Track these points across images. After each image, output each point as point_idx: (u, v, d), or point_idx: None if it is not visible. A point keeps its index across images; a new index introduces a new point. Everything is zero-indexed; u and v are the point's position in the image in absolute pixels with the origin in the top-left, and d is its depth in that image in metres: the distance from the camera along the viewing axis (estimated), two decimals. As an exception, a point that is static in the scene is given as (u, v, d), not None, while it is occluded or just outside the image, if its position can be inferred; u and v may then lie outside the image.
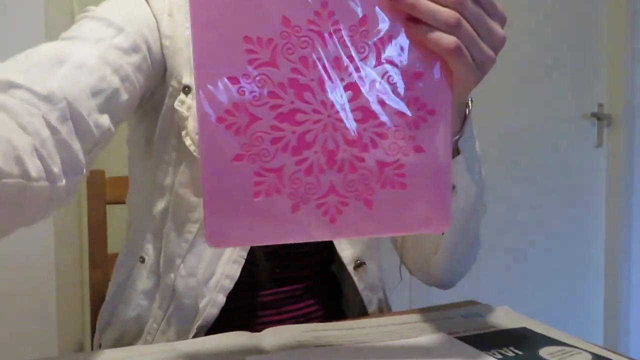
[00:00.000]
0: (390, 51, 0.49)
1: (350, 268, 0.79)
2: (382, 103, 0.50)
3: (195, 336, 0.74)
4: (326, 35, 0.48)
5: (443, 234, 0.67)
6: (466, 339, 0.63)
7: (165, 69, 0.69)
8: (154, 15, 0.68)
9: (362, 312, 0.82)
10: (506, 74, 1.97)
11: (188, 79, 0.68)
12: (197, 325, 0.74)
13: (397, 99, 0.50)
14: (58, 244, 1.40)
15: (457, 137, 0.60)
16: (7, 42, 1.36)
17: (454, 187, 0.61)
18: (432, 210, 0.52)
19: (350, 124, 0.50)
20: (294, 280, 0.81)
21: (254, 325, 0.72)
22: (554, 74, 2.05)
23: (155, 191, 0.76)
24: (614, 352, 0.61)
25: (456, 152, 0.60)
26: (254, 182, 0.49)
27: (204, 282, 0.74)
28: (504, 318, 0.71)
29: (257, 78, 0.48)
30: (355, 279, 0.80)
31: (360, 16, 0.48)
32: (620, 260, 2.13)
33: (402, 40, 0.49)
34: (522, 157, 2.00)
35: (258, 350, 0.61)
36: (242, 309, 0.78)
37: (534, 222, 2.03)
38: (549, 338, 0.65)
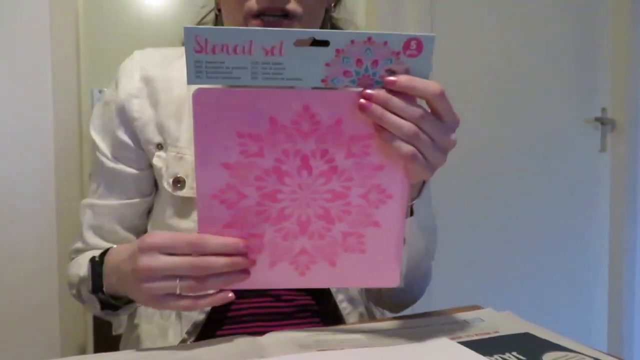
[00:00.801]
0: (359, 147, 0.58)
1: None
2: (348, 188, 0.60)
3: (182, 342, 0.79)
4: (306, 132, 0.57)
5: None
6: (469, 344, 0.63)
7: (138, 142, 0.84)
8: (123, 105, 0.83)
9: (336, 318, 0.84)
10: (510, 79, 1.97)
11: (157, 138, 0.82)
12: (185, 331, 0.79)
13: (362, 186, 0.60)
14: (61, 247, 1.41)
15: (413, 202, 0.69)
16: (12, 43, 1.36)
17: (404, 241, 0.69)
18: (384, 271, 0.63)
19: (322, 202, 0.60)
20: (277, 296, 0.83)
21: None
22: (557, 78, 2.05)
23: (155, 229, 0.87)
24: (618, 358, 0.61)
25: (411, 212, 0.70)
26: None
27: None
28: (507, 323, 0.71)
29: (247, 166, 0.57)
30: (332, 290, 0.84)
31: (336, 119, 0.57)
32: (624, 265, 2.12)
33: (371, 137, 0.58)
34: (526, 161, 2.00)
35: (260, 355, 0.61)
36: (228, 319, 0.81)
37: (537, 227, 2.03)
38: (552, 343, 0.64)
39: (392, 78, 0.55)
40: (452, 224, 1.89)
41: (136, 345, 0.82)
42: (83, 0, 1.47)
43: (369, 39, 0.54)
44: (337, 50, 0.54)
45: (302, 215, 0.60)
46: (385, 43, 0.54)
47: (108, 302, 0.74)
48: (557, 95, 2.05)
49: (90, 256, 0.77)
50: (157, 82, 0.83)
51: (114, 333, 0.90)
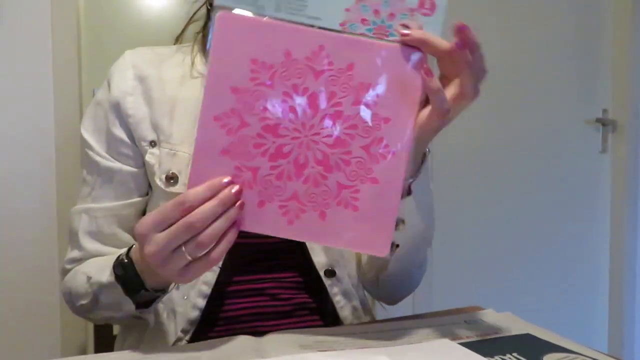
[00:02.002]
0: (368, 96, 0.59)
1: (321, 273, 0.83)
2: (351, 136, 0.60)
3: (177, 341, 0.78)
4: (318, 71, 0.58)
5: (391, 257, 0.77)
6: (469, 345, 0.63)
7: (133, 138, 0.83)
8: (117, 102, 0.82)
9: (334, 315, 0.84)
10: (510, 79, 1.97)
11: (151, 136, 0.82)
12: (180, 329, 0.78)
13: (365, 136, 0.60)
14: (62, 246, 1.41)
15: (412, 179, 0.68)
16: (13, 43, 1.36)
17: (403, 221, 0.71)
18: (375, 235, 0.62)
19: (322, 147, 0.60)
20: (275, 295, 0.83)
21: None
22: (558, 79, 2.05)
23: None
24: (618, 359, 0.61)
25: (408, 192, 0.68)
26: (232, 175, 0.60)
27: (191, 287, 0.80)
28: (508, 324, 0.71)
29: (255, 94, 0.58)
30: (327, 284, 0.83)
31: (348, 63, 0.59)
32: (625, 266, 2.12)
33: (380, 89, 0.60)
34: (527, 162, 2.00)
35: (260, 355, 0.61)
36: (225, 320, 0.81)
37: (538, 228, 2.03)
38: (553, 344, 0.64)
39: (406, 31, 0.59)
40: (452, 225, 1.89)
41: (133, 346, 0.82)
42: (84, 1, 1.48)
43: None
44: None
45: (300, 156, 0.60)
46: None
47: (149, 299, 0.72)
48: (557, 96, 2.05)
49: (99, 263, 0.76)
50: (151, 81, 0.83)
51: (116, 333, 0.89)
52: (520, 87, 1.98)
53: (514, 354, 0.61)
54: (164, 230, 0.59)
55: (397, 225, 0.75)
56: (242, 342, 0.65)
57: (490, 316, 0.74)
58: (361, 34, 0.59)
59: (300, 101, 0.59)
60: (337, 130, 0.60)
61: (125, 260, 0.69)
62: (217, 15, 0.56)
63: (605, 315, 2.16)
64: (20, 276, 1.38)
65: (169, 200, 0.78)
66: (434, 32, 0.60)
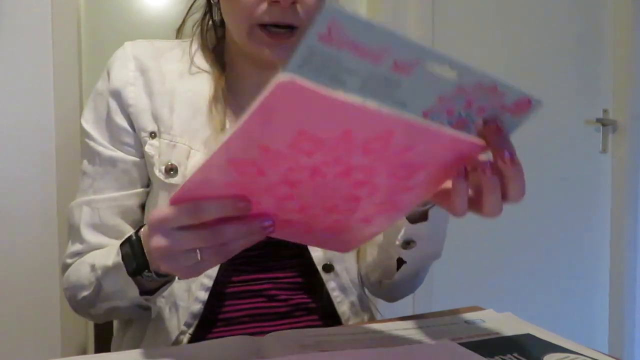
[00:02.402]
0: (403, 172, 0.52)
1: (319, 268, 0.83)
2: (369, 195, 0.54)
3: (180, 334, 0.78)
4: (370, 149, 0.48)
5: (399, 268, 0.80)
6: (469, 345, 0.63)
7: (133, 128, 0.83)
8: (118, 90, 0.82)
9: (331, 310, 0.84)
10: (511, 79, 1.96)
11: (152, 126, 0.81)
12: (183, 322, 0.78)
13: (380, 195, 0.55)
14: (62, 245, 1.40)
15: (431, 205, 0.70)
16: (13, 42, 1.36)
17: (414, 242, 0.75)
18: (346, 242, 0.63)
19: (335, 201, 0.54)
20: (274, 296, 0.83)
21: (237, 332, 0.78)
22: (559, 79, 2.05)
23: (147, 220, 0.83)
24: (619, 359, 0.61)
25: (425, 217, 0.71)
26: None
27: (193, 279, 0.79)
28: (508, 324, 0.71)
29: (287, 156, 0.48)
30: (324, 278, 0.83)
31: (408, 146, 0.49)
32: (626, 266, 2.12)
33: (418, 168, 0.52)
34: (527, 162, 1.99)
35: (261, 355, 0.61)
36: (224, 321, 0.81)
37: (538, 228, 2.03)
38: (553, 344, 0.64)
39: (497, 127, 0.53)
40: (453, 225, 1.89)
41: (133, 341, 0.82)
42: (84, 0, 1.48)
43: (495, 87, 0.50)
44: (459, 89, 0.49)
45: (307, 206, 0.55)
46: (504, 94, 0.51)
47: (153, 286, 0.70)
48: (558, 96, 2.05)
49: (104, 251, 0.76)
50: (152, 73, 0.83)
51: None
52: (520, 86, 1.98)
53: (514, 354, 0.61)
54: (178, 229, 0.54)
55: (408, 244, 0.77)
56: (242, 342, 0.65)
57: (490, 316, 0.74)
58: (440, 123, 0.49)
59: (334, 169, 0.50)
60: (357, 192, 0.53)
61: (134, 237, 0.67)
62: (277, 82, 0.41)
63: (606, 315, 2.16)
64: (21, 275, 1.38)
65: (168, 193, 0.77)
66: (512, 129, 0.55)
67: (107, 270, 0.72)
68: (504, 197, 0.58)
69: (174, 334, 0.78)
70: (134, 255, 0.66)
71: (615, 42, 2.11)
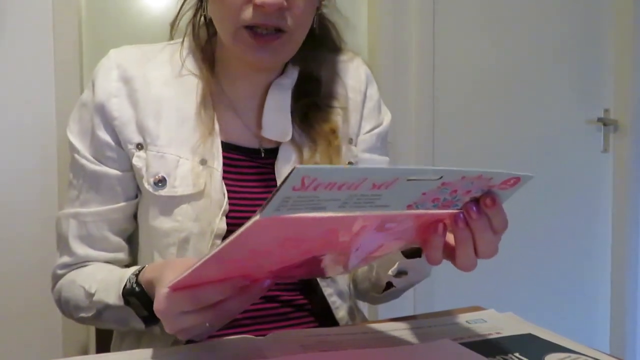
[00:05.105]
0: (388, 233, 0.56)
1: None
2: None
3: (175, 342, 0.77)
4: (352, 236, 0.53)
5: (388, 289, 0.82)
6: (471, 345, 0.63)
7: (119, 141, 0.81)
8: (102, 104, 0.81)
9: (328, 316, 0.84)
10: (512, 79, 1.97)
11: (137, 138, 0.80)
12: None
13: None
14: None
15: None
16: (15, 41, 1.37)
17: (406, 273, 0.77)
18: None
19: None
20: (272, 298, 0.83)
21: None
22: (560, 79, 2.05)
23: (142, 232, 0.85)
24: (620, 359, 0.61)
25: (419, 252, 0.71)
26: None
27: None
28: (509, 324, 0.71)
29: (274, 250, 0.52)
30: (322, 284, 0.83)
31: (385, 215, 0.51)
32: (627, 266, 2.12)
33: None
34: (528, 162, 2.00)
35: (262, 355, 0.61)
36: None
37: (539, 228, 2.02)
38: (555, 344, 0.64)
39: (490, 201, 0.55)
40: (454, 225, 1.89)
41: (130, 347, 0.81)
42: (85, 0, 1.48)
43: (480, 176, 0.51)
44: (444, 183, 0.50)
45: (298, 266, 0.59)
46: (491, 179, 0.52)
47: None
48: (559, 96, 2.05)
49: (99, 278, 0.77)
50: (136, 82, 0.81)
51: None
52: (522, 87, 1.98)
53: (515, 354, 0.61)
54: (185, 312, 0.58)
55: (400, 274, 0.77)
56: (244, 342, 0.65)
57: (491, 316, 0.74)
58: (425, 209, 0.52)
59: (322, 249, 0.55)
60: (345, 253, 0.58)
61: (137, 289, 0.70)
62: (255, 220, 0.43)
63: (607, 315, 2.16)
64: (22, 275, 1.38)
65: (157, 205, 0.79)
66: (503, 199, 0.56)
67: (108, 307, 0.75)
68: (476, 252, 0.60)
69: (169, 341, 0.77)
70: (143, 306, 0.70)
71: (616, 41, 2.10)
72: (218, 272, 0.55)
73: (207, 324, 0.59)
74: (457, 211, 0.55)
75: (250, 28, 0.74)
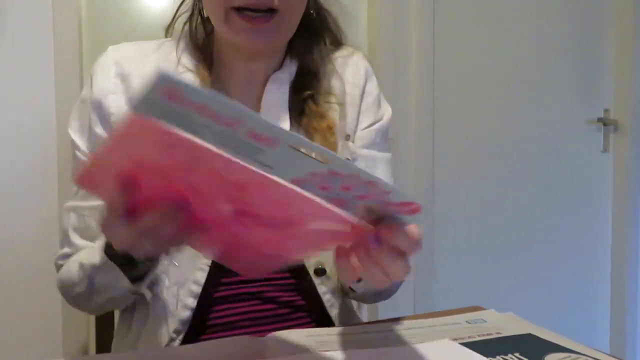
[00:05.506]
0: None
1: (311, 272, 0.83)
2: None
3: (170, 341, 0.77)
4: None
5: (354, 292, 0.81)
6: (471, 345, 0.63)
7: None
8: (99, 100, 0.81)
9: (323, 315, 0.84)
10: (512, 79, 1.97)
11: None
12: (172, 329, 0.78)
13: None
14: (63, 246, 1.40)
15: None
16: (15, 41, 1.37)
17: (359, 279, 0.70)
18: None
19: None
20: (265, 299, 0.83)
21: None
22: (560, 79, 2.05)
23: None
24: (620, 359, 0.61)
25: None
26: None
27: (181, 286, 0.80)
28: (509, 324, 0.71)
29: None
30: (316, 283, 0.83)
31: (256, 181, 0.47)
32: (627, 266, 2.12)
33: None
34: (528, 162, 2.00)
35: (262, 355, 0.61)
36: (219, 326, 0.80)
37: (539, 228, 2.02)
38: (555, 344, 0.64)
39: (388, 228, 0.52)
40: (454, 225, 1.89)
41: (130, 346, 0.82)
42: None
43: (370, 182, 0.49)
44: (333, 172, 0.48)
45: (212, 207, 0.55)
46: (388, 193, 0.50)
47: (141, 272, 0.72)
48: (559, 96, 2.05)
49: (88, 249, 0.77)
50: (133, 79, 0.81)
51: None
52: (521, 87, 1.98)
53: (515, 354, 0.61)
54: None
55: (357, 281, 0.74)
56: (243, 343, 0.65)
57: (491, 316, 0.74)
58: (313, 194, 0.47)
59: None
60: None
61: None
62: (130, 115, 0.43)
63: (607, 315, 2.16)
64: (22, 275, 1.38)
65: None
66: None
67: (95, 267, 0.74)
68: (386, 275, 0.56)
69: (164, 342, 0.78)
70: (122, 255, 0.69)
71: (616, 41, 2.10)
72: (125, 170, 0.51)
73: (148, 244, 0.56)
74: (351, 220, 0.51)
75: (241, 11, 0.74)
